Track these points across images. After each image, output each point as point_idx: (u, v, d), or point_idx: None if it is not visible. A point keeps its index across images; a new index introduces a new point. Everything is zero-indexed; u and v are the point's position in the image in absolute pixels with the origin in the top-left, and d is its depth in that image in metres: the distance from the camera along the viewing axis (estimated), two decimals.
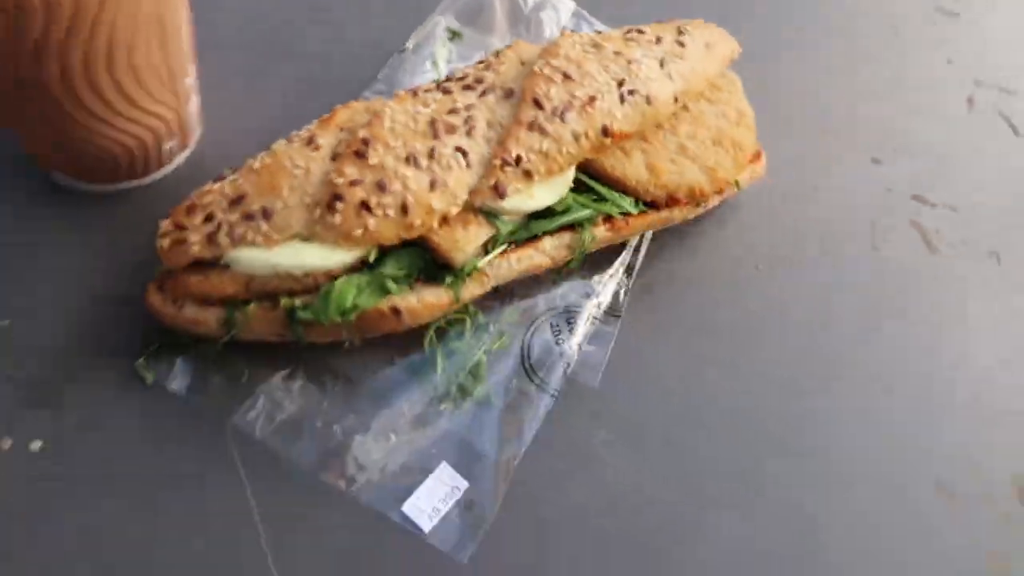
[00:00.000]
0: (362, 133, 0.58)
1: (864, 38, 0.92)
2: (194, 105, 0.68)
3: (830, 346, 0.71)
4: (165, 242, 0.58)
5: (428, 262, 0.60)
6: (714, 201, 0.71)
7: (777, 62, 0.87)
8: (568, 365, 0.65)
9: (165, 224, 0.59)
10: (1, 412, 0.60)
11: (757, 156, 0.74)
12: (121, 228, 0.67)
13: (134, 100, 0.59)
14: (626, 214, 0.66)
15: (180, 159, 0.70)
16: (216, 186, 0.59)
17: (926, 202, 0.81)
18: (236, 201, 0.57)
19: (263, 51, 0.78)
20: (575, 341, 0.66)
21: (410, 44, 0.75)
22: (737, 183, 0.72)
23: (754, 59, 0.81)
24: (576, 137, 0.61)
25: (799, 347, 0.70)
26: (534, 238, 0.63)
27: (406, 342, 0.65)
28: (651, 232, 0.72)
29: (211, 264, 0.58)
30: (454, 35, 0.76)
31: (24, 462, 0.59)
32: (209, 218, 0.57)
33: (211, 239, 0.57)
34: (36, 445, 0.59)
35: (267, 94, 0.76)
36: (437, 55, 0.74)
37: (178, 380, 0.62)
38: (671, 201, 0.67)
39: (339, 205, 0.56)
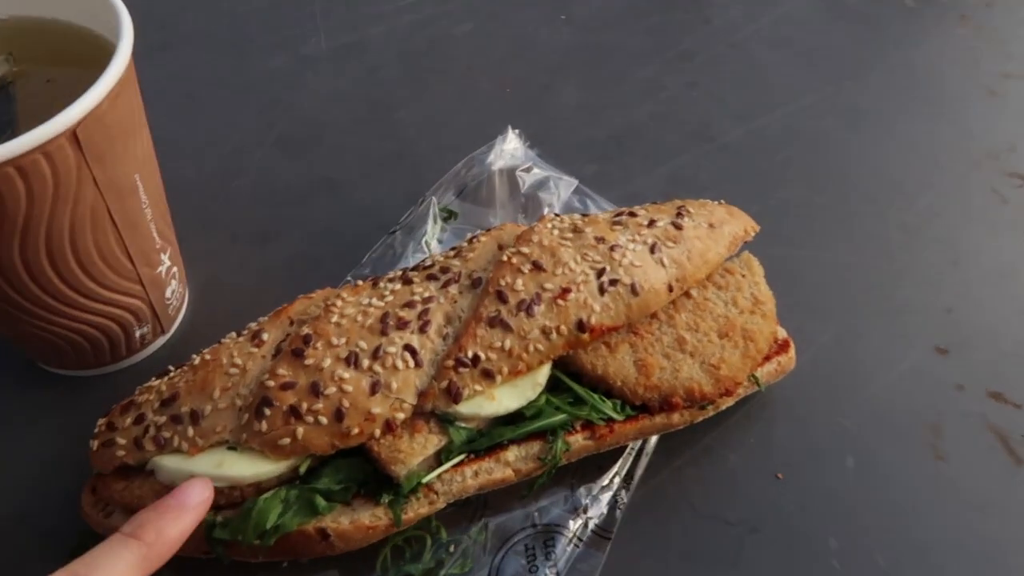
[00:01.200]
0: (305, 329, 0.54)
1: (926, 213, 0.81)
2: (172, 291, 0.66)
3: None
4: (95, 444, 0.54)
5: (370, 475, 0.53)
6: (727, 402, 0.61)
7: (819, 240, 0.78)
8: None
9: (100, 423, 0.55)
10: None
11: (784, 346, 0.64)
12: (83, 415, 0.64)
13: (88, 293, 0.57)
14: (609, 420, 0.57)
15: (157, 344, 0.69)
16: (156, 383, 0.56)
17: (1008, 402, 0.68)
18: (168, 401, 0.53)
19: (270, 227, 0.78)
20: (553, 569, 0.56)
21: (399, 227, 0.71)
22: (757, 380, 0.62)
23: (791, 238, 0.73)
24: (546, 333, 0.54)
25: None
26: (496, 447, 0.55)
27: (356, 562, 0.57)
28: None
29: (138, 470, 0.54)
30: (449, 215, 0.73)
31: None
32: (139, 419, 0.53)
33: (137, 443, 0.53)
34: None
35: (265, 272, 0.74)
36: (428, 238, 0.70)
37: None
38: (667, 405, 0.57)
39: (267, 411, 0.51)
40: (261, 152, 0.84)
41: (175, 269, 0.66)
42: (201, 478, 0.48)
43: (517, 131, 0.77)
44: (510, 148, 0.75)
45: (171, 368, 0.57)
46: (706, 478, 0.63)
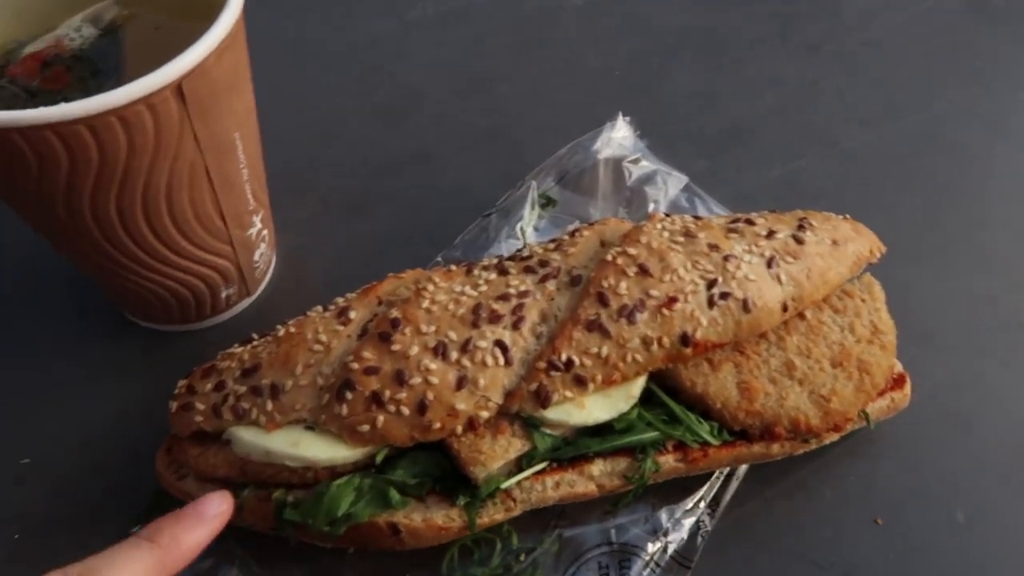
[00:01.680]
0: (394, 312, 0.51)
1: None
2: (260, 254, 0.65)
3: None
4: (174, 406, 0.53)
5: (447, 471, 0.51)
6: (833, 437, 0.56)
7: (946, 264, 0.71)
8: None
9: (180, 384, 0.54)
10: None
11: (900, 382, 0.59)
12: (166, 370, 0.64)
13: (179, 250, 0.56)
14: (704, 443, 0.53)
15: (242, 306, 0.68)
16: (239, 350, 0.54)
17: None
18: (249, 371, 0.52)
19: (362, 197, 0.76)
20: None
21: (495, 210, 0.68)
22: (867, 416, 0.57)
23: (908, 260, 0.67)
24: (646, 343, 0.50)
25: None
26: (581, 459, 0.52)
27: (422, 556, 0.54)
28: None
29: (214, 437, 0.53)
30: (548, 202, 0.69)
31: None
32: (220, 386, 0.52)
33: (216, 410, 0.51)
34: None
35: (352, 243, 0.72)
36: (524, 223, 0.66)
37: None
38: (768, 434, 0.53)
39: (348, 395, 0.49)
40: (358, 119, 0.82)
41: (265, 232, 0.64)
42: (222, 492, 0.48)
43: (628, 119, 0.72)
44: (619, 136, 0.71)
45: (254, 336, 0.56)
46: (799, 514, 0.58)
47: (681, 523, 0.56)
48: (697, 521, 0.56)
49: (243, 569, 0.54)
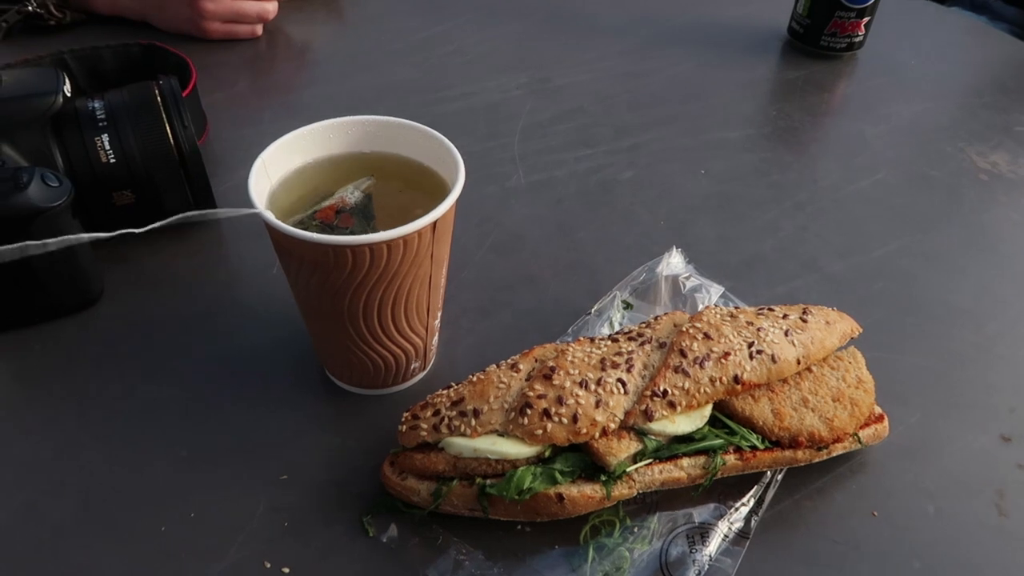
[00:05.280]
0: (550, 363, 0.80)
1: (992, 335, 1.04)
2: (436, 339, 0.94)
3: None
4: (403, 427, 0.81)
5: (588, 465, 0.78)
6: (837, 450, 0.84)
7: (906, 349, 1.02)
8: (699, 572, 0.77)
9: (405, 415, 0.82)
10: (271, 539, 0.81)
11: (880, 418, 0.87)
12: (371, 420, 0.91)
13: (400, 331, 0.85)
14: (753, 448, 0.80)
15: (420, 376, 0.96)
16: (445, 391, 0.83)
17: None
18: (456, 402, 0.80)
19: (488, 306, 1.06)
20: (707, 552, 0.78)
21: (594, 309, 0.99)
22: (859, 439, 0.84)
23: (883, 345, 0.97)
24: (712, 381, 0.79)
25: None
26: (674, 456, 0.79)
27: (567, 534, 0.80)
28: (783, 472, 0.85)
29: (432, 446, 0.80)
30: (627, 306, 1.00)
31: None
32: (436, 413, 0.80)
33: (435, 428, 0.79)
34: (286, 569, 0.79)
35: (486, 336, 1.02)
36: (613, 319, 0.97)
37: (390, 536, 0.81)
38: (793, 443, 0.81)
39: (528, 411, 0.77)
40: (480, 253, 1.15)
41: (439, 325, 0.94)
42: None
43: (680, 249, 1.05)
44: (675, 261, 1.03)
45: (452, 384, 0.84)
46: (818, 509, 0.84)
47: (740, 510, 0.82)
48: (750, 511, 0.82)
49: (445, 540, 0.80)
